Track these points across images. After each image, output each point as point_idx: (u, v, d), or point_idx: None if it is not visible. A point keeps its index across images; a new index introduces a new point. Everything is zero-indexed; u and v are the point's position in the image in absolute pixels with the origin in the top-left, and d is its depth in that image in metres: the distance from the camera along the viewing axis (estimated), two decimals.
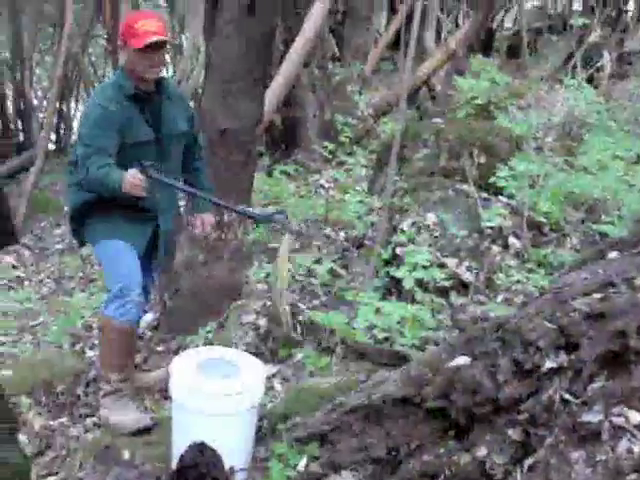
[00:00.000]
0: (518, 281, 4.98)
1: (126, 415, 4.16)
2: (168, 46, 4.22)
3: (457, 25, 17.81)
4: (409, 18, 12.15)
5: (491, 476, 2.67)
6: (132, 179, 3.70)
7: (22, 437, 4.19)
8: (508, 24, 22.74)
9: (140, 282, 4.12)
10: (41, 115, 20.67)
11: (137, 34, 3.91)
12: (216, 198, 4.29)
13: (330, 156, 9.55)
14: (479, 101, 8.01)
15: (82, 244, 4.52)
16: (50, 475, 4.17)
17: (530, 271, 5.09)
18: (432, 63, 11.72)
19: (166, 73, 22.69)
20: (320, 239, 6.81)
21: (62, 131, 21.36)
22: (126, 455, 3.86)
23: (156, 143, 4.13)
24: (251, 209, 3.89)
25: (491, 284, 5.07)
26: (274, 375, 4.60)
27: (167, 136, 4.17)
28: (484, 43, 15.36)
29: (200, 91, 10.33)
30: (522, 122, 7.22)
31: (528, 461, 2.58)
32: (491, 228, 5.46)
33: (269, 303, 5.30)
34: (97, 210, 4.13)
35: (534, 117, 7.20)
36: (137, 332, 4.50)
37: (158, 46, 3.97)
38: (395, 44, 14.33)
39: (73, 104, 22.45)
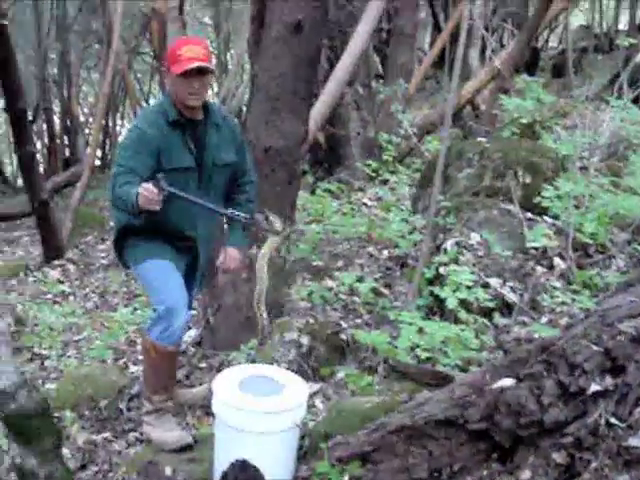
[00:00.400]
0: (563, 302, 4.93)
1: (168, 432, 4.16)
2: (211, 74, 4.09)
3: (502, 44, 17.77)
4: (453, 37, 12.19)
5: None
6: (145, 192, 3.60)
7: (65, 451, 4.22)
8: (553, 43, 22.66)
9: (186, 302, 4.08)
10: (87, 131, 20.93)
11: (180, 60, 3.89)
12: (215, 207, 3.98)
13: (373, 174, 9.56)
14: (524, 120, 7.96)
15: (127, 267, 4.40)
16: None
17: (575, 292, 5.04)
18: (477, 82, 11.70)
19: (211, 95, 22.86)
20: (363, 257, 6.80)
21: (107, 147, 21.62)
22: (168, 471, 3.86)
23: (197, 171, 4.07)
24: (239, 213, 3.77)
25: (536, 305, 5.02)
26: (316, 393, 4.59)
27: (209, 165, 4.11)
28: (529, 62, 15.31)
29: (245, 109, 10.39)
30: (567, 142, 7.16)
31: None
32: (536, 249, 5.42)
33: (312, 321, 5.31)
34: (138, 233, 4.11)
35: (579, 137, 7.14)
36: (180, 349, 4.50)
37: (200, 72, 3.92)
38: (439, 63, 14.32)
39: (119, 121, 22.72)
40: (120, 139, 22.72)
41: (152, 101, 26.73)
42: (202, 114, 4.11)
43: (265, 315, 3.93)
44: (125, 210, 3.84)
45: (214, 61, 4.18)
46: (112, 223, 4.50)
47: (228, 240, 4.43)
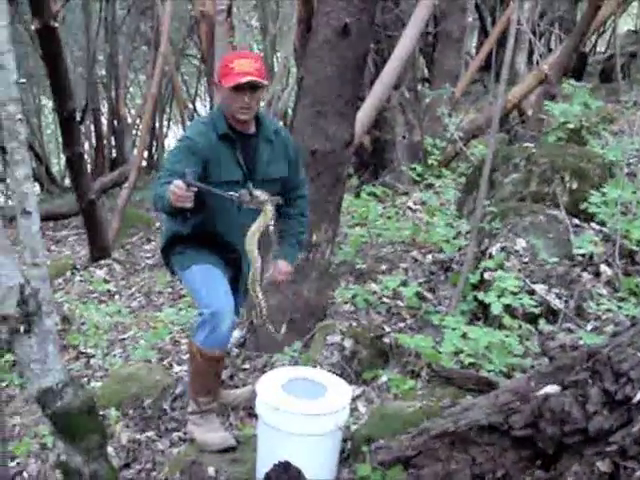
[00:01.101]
0: (609, 310, 4.89)
1: (212, 433, 4.18)
2: (264, 88, 4.02)
3: (549, 48, 17.64)
4: (500, 41, 12.14)
5: None
6: (174, 189, 3.52)
7: (110, 449, 4.26)
8: (601, 48, 22.45)
9: (232, 307, 4.01)
10: (134, 132, 21.10)
11: (231, 73, 3.85)
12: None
13: (418, 178, 9.53)
14: (571, 125, 7.91)
15: (173, 273, 4.39)
16: None
17: (621, 300, 4.99)
18: (524, 87, 11.62)
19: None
20: (407, 261, 6.79)
21: (154, 148, 21.77)
22: (211, 471, 3.89)
23: (244, 185, 3.90)
24: (232, 193, 3.67)
25: (581, 312, 4.98)
26: (358, 397, 4.60)
27: (258, 180, 4.01)
28: (577, 67, 15.17)
29: (290, 112, 10.42)
30: (615, 148, 7.10)
31: None
32: (582, 255, 5.38)
33: (355, 324, 5.31)
34: (186, 242, 4.13)
35: (627, 143, 7.08)
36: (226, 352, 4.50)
37: (251, 87, 3.87)
38: (486, 67, 14.26)
39: (165, 122, 22.88)
40: (167, 141, 22.94)
41: (198, 103, 26.93)
42: (254, 127, 4.09)
43: (261, 295, 3.87)
44: (163, 210, 3.82)
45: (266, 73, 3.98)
46: (162, 229, 4.44)
47: (278, 253, 4.41)
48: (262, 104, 4.37)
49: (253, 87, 3.87)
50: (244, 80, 3.80)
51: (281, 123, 13.24)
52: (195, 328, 4.08)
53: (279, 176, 4.18)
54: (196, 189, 3.54)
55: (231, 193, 3.64)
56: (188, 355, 4.30)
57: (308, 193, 4.47)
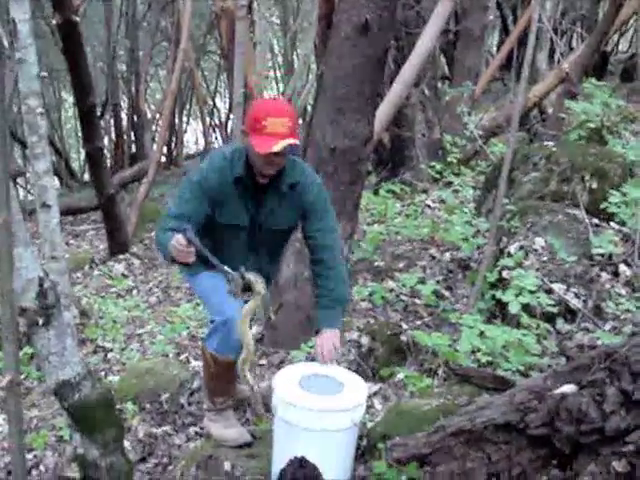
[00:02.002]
0: (628, 310, 4.87)
1: (228, 429, 4.18)
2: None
3: (571, 47, 17.59)
4: (521, 39, 12.10)
5: None
6: (175, 243, 3.51)
7: (126, 443, 4.28)
8: (623, 47, 22.36)
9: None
10: (153, 128, 21.17)
11: (262, 133, 3.57)
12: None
13: (437, 176, 9.53)
14: (591, 125, 7.88)
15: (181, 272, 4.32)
16: None
17: None
18: (544, 85, 11.59)
19: (277, 94, 22.94)
20: (425, 259, 6.79)
21: (173, 144, 21.85)
22: (227, 466, 3.89)
23: (249, 231, 3.92)
24: (227, 269, 3.57)
25: (599, 312, 4.97)
26: (375, 394, 4.60)
27: (262, 228, 3.92)
28: (598, 66, 15.12)
29: (310, 109, 10.43)
30: (636, 147, 7.06)
31: None
32: (601, 255, 5.36)
33: (372, 321, 5.31)
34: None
35: None
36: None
37: (282, 150, 3.60)
38: (507, 65, 14.23)
39: (185, 118, 22.95)
40: (186, 137, 22.96)
41: (218, 99, 26.94)
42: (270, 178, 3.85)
43: (252, 381, 3.79)
44: (166, 259, 3.79)
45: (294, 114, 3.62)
46: None
47: (319, 321, 4.03)
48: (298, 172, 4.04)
49: (285, 150, 3.63)
50: (276, 149, 3.55)
51: (300, 120, 13.24)
52: (207, 334, 4.04)
53: (285, 227, 4.03)
54: (196, 247, 3.50)
55: (225, 268, 3.53)
56: (202, 358, 4.30)
57: (338, 244, 4.09)
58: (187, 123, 25.84)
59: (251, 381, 3.79)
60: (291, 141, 3.58)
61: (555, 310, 4.86)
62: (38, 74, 3.28)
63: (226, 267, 3.54)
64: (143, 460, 4.54)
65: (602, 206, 5.78)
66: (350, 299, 4.06)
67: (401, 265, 6.65)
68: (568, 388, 2.90)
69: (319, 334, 3.94)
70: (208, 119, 21.82)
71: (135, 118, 20.63)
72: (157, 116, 21.90)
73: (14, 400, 2.68)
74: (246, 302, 3.62)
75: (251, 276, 3.53)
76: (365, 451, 3.86)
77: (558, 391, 2.92)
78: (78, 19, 7.99)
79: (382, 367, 4.85)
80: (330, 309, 3.96)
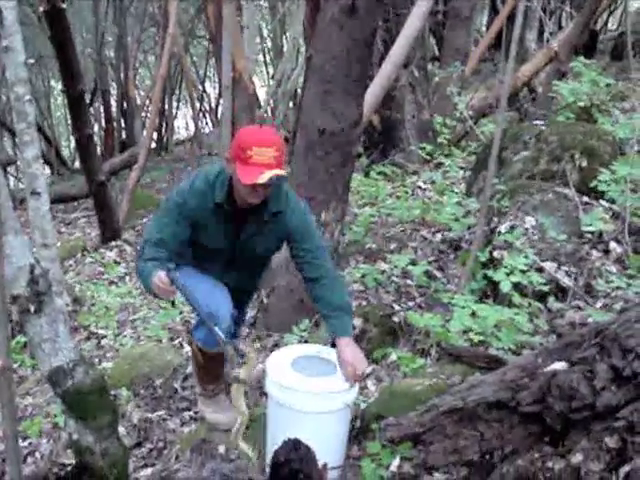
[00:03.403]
0: (618, 287, 4.88)
1: (221, 413, 4.21)
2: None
3: (560, 26, 17.56)
4: (511, 19, 12.08)
5: None
6: (157, 281, 3.47)
7: (121, 429, 4.29)
8: (612, 26, 22.34)
9: (230, 306, 3.84)
10: (143, 114, 21.13)
11: (248, 163, 3.46)
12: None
13: (428, 157, 9.53)
14: (581, 104, 7.88)
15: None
16: (147, 466, 4.28)
17: (631, 277, 4.99)
18: (534, 65, 11.59)
19: (266, 78, 22.84)
20: (416, 240, 6.80)
21: (163, 130, 21.81)
22: (221, 449, 3.92)
23: (228, 254, 3.89)
24: (218, 332, 3.57)
25: (590, 289, 4.98)
26: (368, 375, 4.61)
27: (240, 254, 3.90)
28: (587, 45, 15.09)
29: (299, 92, 10.39)
30: (625, 125, 7.07)
31: (624, 469, 2.54)
32: (591, 233, 5.37)
33: (364, 303, 5.32)
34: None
35: (638, 120, 7.04)
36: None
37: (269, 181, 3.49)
38: (496, 45, 14.21)
39: (175, 103, 22.90)
40: (176, 122, 22.89)
41: (207, 84, 26.85)
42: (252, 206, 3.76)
43: (246, 448, 3.72)
44: (144, 287, 3.74)
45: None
46: None
47: (330, 331, 3.89)
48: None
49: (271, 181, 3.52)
50: (262, 181, 3.44)
51: (291, 104, 13.21)
52: (195, 326, 4.05)
53: (264, 253, 4.01)
54: (179, 289, 3.47)
55: (220, 334, 3.48)
56: (190, 349, 4.30)
57: (328, 259, 3.96)
58: (177, 109, 25.80)
59: (246, 450, 3.74)
60: (277, 172, 3.46)
61: (546, 289, 4.88)
62: (25, 61, 3.27)
63: (216, 329, 3.51)
64: (138, 445, 4.56)
65: (592, 184, 5.79)
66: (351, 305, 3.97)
67: (392, 247, 6.66)
68: (559, 365, 2.92)
69: (338, 346, 3.77)
70: (198, 104, 21.78)
71: (125, 104, 20.62)
72: (147, 102, 21.87)
73: (6, 386, 2.69)
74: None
75: (243, 347, 3.60)
76: (359, 432, 3.89)
77: (549, 368, 2.93)
78: (65, 6, 7.96)
79: (375, 348, 4.86)
80: (336, 318, 3.82)
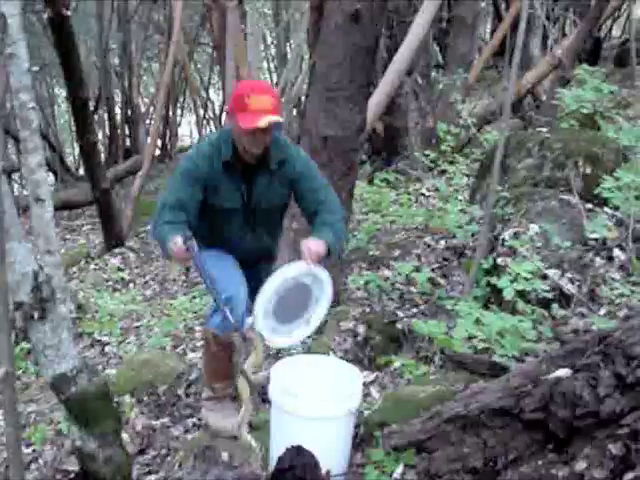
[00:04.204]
0: (622, 294, 4.88)
1: (226, 419, 4.20)
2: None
3: (564, 34, 17.57)
4: (514, 26, 12.09)
5: None
6: (174, 247, 3.58)
7: (124, 436, 4.29)
8: (616, 33, 22.34)
9: (246, 292, 3.96)
10: (147, 121, 21.15)
11: (247, 111, 3.66)
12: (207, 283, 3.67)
13: (432, 164, 9.53)
14: (584, 111, 7.87)
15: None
16: (150, 473, 4.27)
17: (634, 284, 4.99)
18: (537, 72, 11.59)
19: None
20: (420, 247, 6.79)
21: (167, 137, 21.83)
22: (225, 456, 3.91)
23: (243, 212, 3.98)
24: (227, 312, 3.66)
25: (594, 297, 4.98)
26: (372, 382, 4.61)
27: (254, 208, 4.00)
28: (591, 52, 15.13)
29: (303, 99, 10.41)
30: (629, 132, 7.06)
31: (628, 476, 2.54)
32: (595, 240, 5.36)
33: (368, 310, 5.32)
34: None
35: None
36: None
37: (268, 127, 3.68)
38: (500, 52, 14.20)
39: (179, 111, 22.93)
40: (180, 130, 22.93)
41: (211, 92, 26.90)
42: (260, 157, 3.92)
43: (253, 442, 3.75)
44: (161, 250, 3.85)
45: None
46: None
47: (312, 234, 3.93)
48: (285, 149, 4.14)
49: (270, 126, 3.70)
50: (261, 125, 3.62)
51: (294, 111, 13.24)
52: (209, 315, 4.11)
53: (277, 204, 4.10)
54: (193, 257, 3.57)
55: (229, 316, 3.59)
56: (203, 342, 4.32)
57: (333, 198, 4.06)
58: (181, 116, 25.83)
59: (249, 440, 3.76)
60: (275, 117, 3.65)
61: (550, 296, 4.87)
62: (29, 69, 3.28)
63: (223, 296, 3.63)
64: (141, 452, 4.55)
65: (596, 191, 5.78)
66: (344, 238, 4.07)
67: (396, 254, 6.66)
68: (563, 372, 2.92)
69: (309, 240, 3.81)
70: (202, 111, 21.80)
71: (129, 112, 20.62)
72: (151, 109, 21.87)
73: (9, 392, 2.69)
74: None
75: (252, 334, 3.64)
76: (362, 439, 3.88)
77: (553, 375, 2.93)
78: (69, 13, 7.98)
79: (379, 355, 4.86)
80: (321, 231, 3.86)
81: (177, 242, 3.56)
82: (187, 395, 5.07)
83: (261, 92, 3.72)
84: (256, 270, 4.16)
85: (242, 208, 3.96)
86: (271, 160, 3.91)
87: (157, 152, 19.23)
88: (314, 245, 3.73)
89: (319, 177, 4.07)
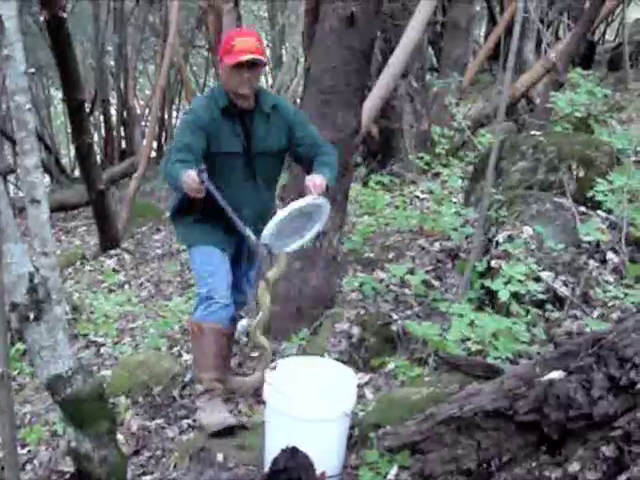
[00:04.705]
0: (615, 297, 4.89)
1: (214, 415, 4.22)
2: (263, 66, 4.29)
3: (557, 37, 17.61)
4: (509, 29, 12.13)
5: None
6: (188, 180, 3.80)
7: (119, 437, 4.29)
8: (610, 37, 22.40)
9: (228, 287, 4.29)
10: (143, 123, 21.14)
11: (232, 51, 4.06)
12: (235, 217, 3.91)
13: (426, 167, 9.54)
14: (578, 114, 7.89)
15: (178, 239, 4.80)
16: (145, 474, 4.27)
17: (628, 287, 5.00)
18: (531, 75, 11.62)
19: (266, 88, 22.91)
20: (414, 250, 6.80)
21: (163, 139, 21.81)
22: (220, 457, 3.92)
23: (244, 157, 4.25)
24: (250, 234, 3.84)
25: (587, 299, 4.99)
26: (366, 384, 4.62)
27: (255, 152, 4.28)
28: (585, 56, 15.16)
29: (298, 101, 10.42)
30: (622, 135, 7.08)
31: (621, 478, 2.56)
32: (589, 243, 5.38)
33: (362, 312, 5.33)
34: (192, 211, 4.29)
35: (635, 131, 7.06)
36: (229, 333, 4.51)
37: (252, 64, 4.09)
38: (494, 56, 14.24)
39: (174, 113, 22.92)
40: (176, 132, 22.91)
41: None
42: (253, 102, 4.27)
43: (266, 343, 3.91)
44: (175, 189, 4.12)
45: (267, 53, 4.22)
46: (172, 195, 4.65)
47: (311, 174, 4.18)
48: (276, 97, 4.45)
49: (253, 64, 4.10)
50: (244, 59, 4.02)
51: (289, 104, 13.24)
52: (194, 309, 4.37)
53: (277, 149, 4.37)
54: (208, 188, 3.78)
55: (253, 237, 3.85)
56: (190, 335, 4.49)
57: (325, 143, 4.43)
58: (176, 118, 25.80)
59: (264, 342, 3.92)
60: (258, 56, 4.07)
61: (544, 298, 4.89)
62: (26, 70, 3.28)
63: (240, 225, 3.88)
64: (136, 453, 4.55)
65: (589, 194, 5.80)
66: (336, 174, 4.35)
67: (391, 256, 6.67)
68: (556, 374, 2.93)
69: (310, 176, 4.08)
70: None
71: (124, 113, 20.60)
72: (146, 111, 21.87)
73: (4, 393, 2.70)
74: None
75: (276, 250, 3.88)
76: (357, 440, 3.89)
77: (546, 377, 2.94)
78: (65, 15, 7.98)
79: (373, 357, 4.87)
80: (323, 170, 4.14)
81: (191, 174, 3.79)
82: (182, 396, 5.07)
83: (245, 35, 4.18)
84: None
85: (242, 153, 4.23)
86: (264, 104, 4.28)
87: (153, 154, 19.20)
88: (319, 180, 4.01)
89: (311, 126, 4.48)
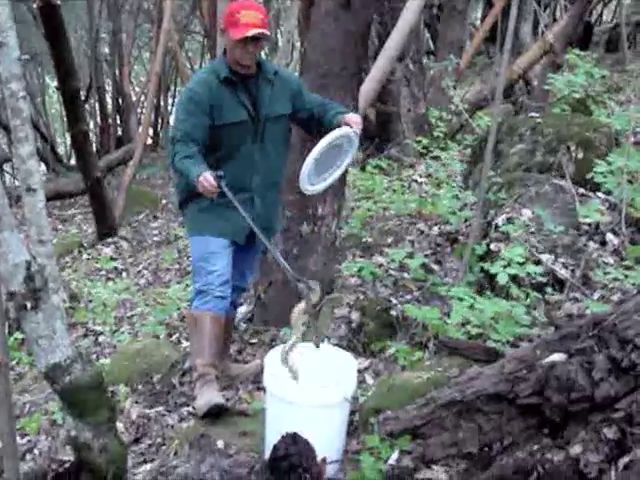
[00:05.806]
0: (615, 278, 4.87)
1: (204, 397, 4.20)
2: (267, 37, 4.24)
3: (555, 18, 17.55)
4: (505, 11, 12.08)
5: (585, 474, 2.63)
6: (205, 182, 3.83)
7: (119, 425, 4.28)
8: (607, 17, 22.34)
9: (226, 282, 4.28)
10: (139, 110, 21.08)
11: (237, 24, 4.02)
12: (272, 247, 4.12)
13: (424, 150, 9.52)
14: (576, 95, 7.86)
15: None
16: (145, 462, 4.26)
17: (628, 268, 4.98)
18: (529, 57, 11.58)
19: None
20: (413, 234, 6.79)
21: (159, 126, 21.78)
22: (220, 444, 3.91)
23: (252, 124, 4.21)
24: (286, 265, 3.87)
25: (587, 281, 4.97)
26: (366, 369, 4.61)
27: (262, 118, 4.24)
28: (582, 37, 15.10)
29: None
30: (621, 116, 7.05)
31: (623, 460, 2.55)
32: (588, 224, 5.36)
33: (362, 297, 5.32)
34: (196, 197, 4.20)
35: (633, 111, 7.03)
36: (225, 320, 4.50)
37: (257, 38, 4.07)
38: (491, 38, 14.20)
39: (170, 99, 22.85)
40: (172, 119, 22.86)
41: None
42: (256, 69, 4.26)
43: (292, 366, 3.80)
44: (188, 182, 4.05)
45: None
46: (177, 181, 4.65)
47: (334, 122, 4.21)
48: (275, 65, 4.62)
49: (259, 38, 4.09)
50: (250, 34, 3.99)
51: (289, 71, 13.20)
52: (190, 300, 4.43)
53: (283, 113, 4.34)
54: (226, 193, 3.85)
55: (291, 272, 3.86)
56: (188, 324, 4.56)
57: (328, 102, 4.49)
58: (172, 105, 25.74)
59: (295, 366, 3.73)
60: (264, 30, 4.05)
61: (544, 280, 4.87)
62: (20, 58, 3.26)
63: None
64: (137, 441, 4.54)
65: (588, 176, 5.77)
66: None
67: (389, 240, 6.66)
68: (557, 357, 2.92)
69: (345, 119, 4.15)
70: None
71: (120, 101, 20.55)
72: (142, 98, 21.80)
73: (3, 382, 2.68)
74: None
75: (312, 284, 3.81)
76: (357, 425, 3.88)
77: (547, 360, 2.93)
78: (59, 2, 7.94)
79: (373, 342, 4.86)
80: (335, 115, 4.22)
81: (208, 178, 3.83)
82: (182, 384, 5.06)
83: (250, 8, 4.09)
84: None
85: (249, 120, 4.21)
86: (267, 71, 4.29)
87: (149, 141, 19.18)
88: (355, 117, 4.17)
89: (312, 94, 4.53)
